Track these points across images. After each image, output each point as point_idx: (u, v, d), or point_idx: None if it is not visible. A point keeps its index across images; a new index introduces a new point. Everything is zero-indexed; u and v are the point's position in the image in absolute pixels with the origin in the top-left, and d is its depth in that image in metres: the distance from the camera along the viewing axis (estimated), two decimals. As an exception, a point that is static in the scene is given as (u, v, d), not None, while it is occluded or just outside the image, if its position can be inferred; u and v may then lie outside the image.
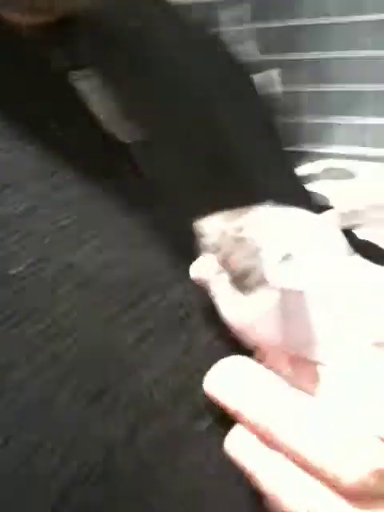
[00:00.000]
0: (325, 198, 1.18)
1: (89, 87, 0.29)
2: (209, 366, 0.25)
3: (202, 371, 0.26)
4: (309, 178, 1.30)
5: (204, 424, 0.25)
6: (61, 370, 0.23)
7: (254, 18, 1.50)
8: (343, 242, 0.25)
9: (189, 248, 0.27)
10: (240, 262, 0.24)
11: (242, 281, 0.25)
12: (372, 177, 1.29)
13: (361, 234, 0.99)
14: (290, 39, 1.48)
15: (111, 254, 0.26)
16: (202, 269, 0.26)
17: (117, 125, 0.29)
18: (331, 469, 0.23)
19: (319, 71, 1.47)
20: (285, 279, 0.23)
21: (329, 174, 1.35)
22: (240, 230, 0.25)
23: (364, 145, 1.47)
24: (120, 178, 0.29)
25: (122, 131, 0.29)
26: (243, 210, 0.26)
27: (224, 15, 1.43)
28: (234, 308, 0.25)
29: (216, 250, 0.26)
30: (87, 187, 0.27)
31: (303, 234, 0.25)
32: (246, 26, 1.51)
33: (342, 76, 1.44)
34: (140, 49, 0.35)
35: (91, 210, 0.27)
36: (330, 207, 0.55)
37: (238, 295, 0.25)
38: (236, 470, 0.24)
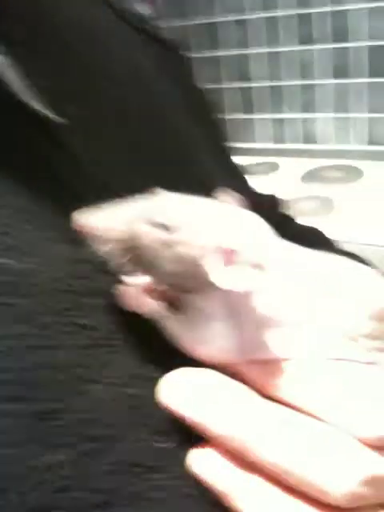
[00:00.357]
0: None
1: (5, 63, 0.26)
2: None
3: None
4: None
5: (170, 442, 0.23)
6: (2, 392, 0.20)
7: (170, 14, 1.49)
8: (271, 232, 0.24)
9: None
10: (172, 271, 0.22)
11: (176, 290, 0.23)
12: (293, 170, 1.31)
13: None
14: (207, 36, 1.48)
15: (38, 253, 0.23)
16: (132, 302, 0.24)
17: (41, 102, 0.26)
18: (316, 482, 0.20)
19: (237, 68, 1.48)
20: (235, 282, 0.21)
21: (253, 168, 1.36)
22: (158, 226, 0.22)
23: (283, 140, 1.49)
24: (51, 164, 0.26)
25: (47, 109, 0.26)
26: (142, 196, 0.23)
27: (141, 10, 1.41)
28: (183, 337, 0.23)
29: (123, 254, 0.22)
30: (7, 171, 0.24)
31: (235, 228, 0.22)
32: (162, 23, 1.50)
33: (260, 72, 1.46)
34: (70, 33, 0.32)
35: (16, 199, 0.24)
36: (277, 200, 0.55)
37: (183, 324, 0.23)
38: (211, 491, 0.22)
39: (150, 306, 0.24)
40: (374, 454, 0.21)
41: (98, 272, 0.24)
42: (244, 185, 0.47)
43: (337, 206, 1.11)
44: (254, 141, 1.53)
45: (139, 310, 0.24)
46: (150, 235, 0.22)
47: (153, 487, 0.22)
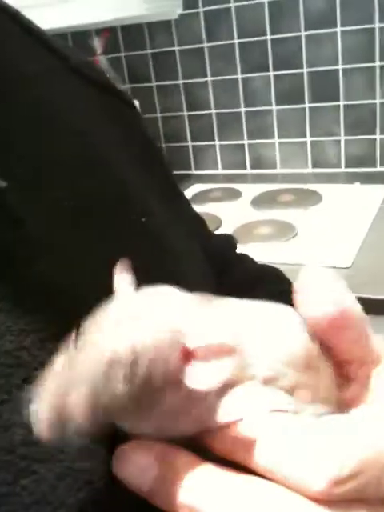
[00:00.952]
0: (217, 218, 1.20)
1: None
2: None
3: None
4: (196, 199, 1.31)
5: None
6: None
7: (126, 45, 1.51)
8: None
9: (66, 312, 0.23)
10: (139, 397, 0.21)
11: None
12: (253, 195, 1.33)
13: (251, 247, 1.01)
14: (163, 65, 1.50)
15: None
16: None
17: None
18: (297, 478, 0.20)
19: (194, 95, 1.50)
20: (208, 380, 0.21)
21: (213, 194, 1.37)
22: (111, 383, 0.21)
23: (244, 166, 1.52)
24: None
25: None
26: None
27: (97, 43, 1.43)
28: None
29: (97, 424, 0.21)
30: None
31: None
32: (117, 54, 1.51)
33: (217, 99, 1.48)
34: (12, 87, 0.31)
35: None
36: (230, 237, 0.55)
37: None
38: None
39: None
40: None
41: (45, 341, 0.23)
42: (200, 227, 0.46)
43: (298, 229, 1.12)
44: (215, 167, 1.55)
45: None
46: (115, 395, 0.21)
47: None
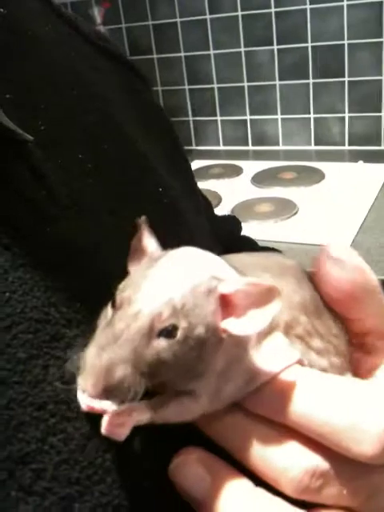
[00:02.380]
0: (217, 194, 1.18)
1: None
2: None
3: None
4: (196, 175, 1.29)
5: (147, 482, 0.22)
6: None
7: (128, 15, 1.48)
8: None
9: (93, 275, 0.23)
10: (179, 367, 0.21)
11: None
12: (255, 172, 1.31)
13: (251, 225, 1.00)
14: (164, 37, 1.47)
15: (11, 279, 0.22)
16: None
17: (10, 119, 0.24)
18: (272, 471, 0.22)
19: (196, 69, 1.48)
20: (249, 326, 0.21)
21: (215, 171, 1.35)
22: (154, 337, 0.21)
23: (246, 142, 1.50)
24: (17, 183, 0.24)
25: (16, 126, 0.25)
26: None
27: (97, 13, 1.40)
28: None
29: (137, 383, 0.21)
30: None
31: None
32: (117, 25, 1.48)
33: (219, 73, 1.45)
34: (33, 48, 0.30)
35: None
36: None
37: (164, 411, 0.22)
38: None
39: (145, 420, 0.22)
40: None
41: (72, 299, 0.23)
42: (207, 208, 0.46)
43: (298, 207, 1.11)
44: (216, 143, 1.53)
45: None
46: (159, 353, 0.21)
47: None
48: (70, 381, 0.21)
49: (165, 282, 0.21)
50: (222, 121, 1.51)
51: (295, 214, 1.09)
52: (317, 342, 0.25)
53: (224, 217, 0.55)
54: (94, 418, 0.22)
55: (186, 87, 1.51)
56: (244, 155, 1.46)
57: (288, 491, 0.22)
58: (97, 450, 0.21)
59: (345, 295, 0.24)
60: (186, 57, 1.47)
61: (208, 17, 1.40)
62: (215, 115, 1.51)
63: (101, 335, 0.21)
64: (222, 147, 1.53)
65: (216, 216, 0.49)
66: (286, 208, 1.11)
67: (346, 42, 1.31)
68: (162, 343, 0.20)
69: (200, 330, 0.21)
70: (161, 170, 0.34)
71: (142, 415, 0.22)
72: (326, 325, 0.25)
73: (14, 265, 0.22)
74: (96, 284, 0.22)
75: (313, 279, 0.26)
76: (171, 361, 0.21)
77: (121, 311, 0.21)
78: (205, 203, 0.46)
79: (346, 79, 1.34)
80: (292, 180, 1.25)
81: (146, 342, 0.20)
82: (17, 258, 0.22)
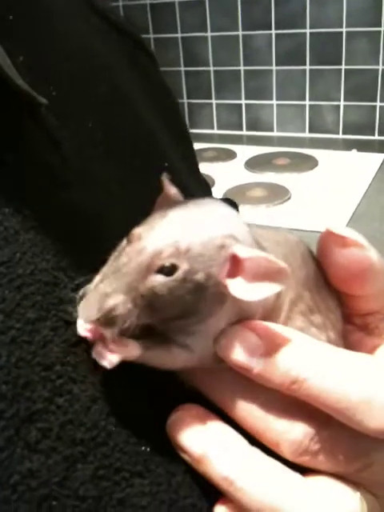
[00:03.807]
0: (210, 178, 1.18)
1: None
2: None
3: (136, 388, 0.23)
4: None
5: (149, 446, 0.23)
6: None
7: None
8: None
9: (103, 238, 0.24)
10: (178, 307, 0.22)
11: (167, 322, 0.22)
12: (249, 157, 1.31)
13: (244, 209, 1.01)
14: (161, 17, 1.45)
15: (21, 241, 0.22)
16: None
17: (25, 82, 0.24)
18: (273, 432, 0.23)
19: (192, 51, 1.46)
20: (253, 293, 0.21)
21: (208, 154, 1.35)
22: (157, 271, 0.21)
23: (240, 127, 1.49)
24: (31, 146, 0.24)
25: (30, 89, 0.24)
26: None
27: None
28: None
29: (133, 313, 0.21)
30: None
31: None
32: (114, 3, 1.46)
33: (216, 56, 1.44)
34: (44, 16, 0.30)
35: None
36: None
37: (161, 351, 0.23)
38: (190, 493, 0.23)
39: (134, 355, 0.23)
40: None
41: (81, 266, 0.23)
42: (206, 188, 0.46)
43: (291, 193, 1.11)
44: (211, 127, 1.52)
45: (125, 358, 0.23)
46: (154, 287, 0.21)
47: (136, 493, 0.21)
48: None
49: (177, 225, 0.22)
50: (216, 104, 1.50)
51: (288, 199, 1.09)
52: (317, 318, 0.25)
53: (222, 199, 0.55)
54: (100, 380, 0.22)
55: (182, 69, 1.50)
56: (238, 140, 1.46)
57: (286, 453, 0.23)
58: (100, 412, 0.22)
59: (350, 273, 0.25)
60: (182, 38, 1.46)
61: (207, -2, 1.38)
62: (210, 98, 1.50)
63: (106, 268, 0.22)
64: (216, 131, 1.53)
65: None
66: (278, 194, 1.11)
67: (344, 29, 1.30)
68: (158, 279, 0.21)
69: (200, 276, 0.21)
70: (167, 147, 0.34)
71: (131, 350, 0.22)
72: (325, 300, 0.26)
73: (25, 227, 0.22)
74: (105, 252, 0.23)
75: (317, 256, 0.26)
76: (166, 298, 0.21)
77: (129, 246, 0.22)
78: (205, 185, 0.46)
79: (343, 67, 1.34)
80: (285, 166, 1.25)
81: (142, 276, 0.21)
82: (28, 221, 0.23)
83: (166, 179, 0.25)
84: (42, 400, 0.20)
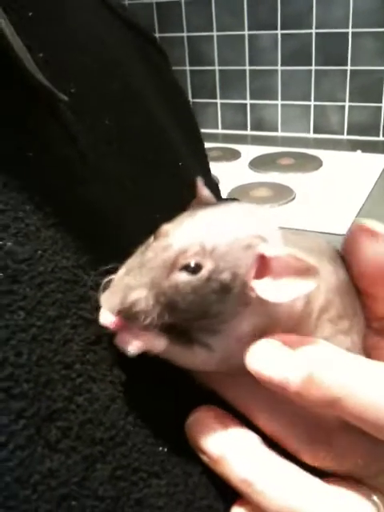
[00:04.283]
0: (215, 177, 1.18)
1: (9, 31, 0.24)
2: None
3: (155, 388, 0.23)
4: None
5: (166, 446, 0.23)
6: None
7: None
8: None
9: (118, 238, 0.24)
10: (200, 308, 0.21)
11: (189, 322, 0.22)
12: (254, 157, 1.31)
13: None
14: (167, 16, 1.45)
15: (42, 238, 0.22)
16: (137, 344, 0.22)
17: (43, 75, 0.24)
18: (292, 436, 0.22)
19: (198, 50, 1.46)
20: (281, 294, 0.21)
21: (213, 154, 1.35)
22: (182, 269, 0.21)
23: (245, 126, 1.49)
24: (50, 141, 0.24)
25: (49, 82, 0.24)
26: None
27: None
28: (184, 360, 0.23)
29: (155, 310, 0.21)
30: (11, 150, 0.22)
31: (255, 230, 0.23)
32: (122, 1, 1.46)
33: (221, 55, 1.44)
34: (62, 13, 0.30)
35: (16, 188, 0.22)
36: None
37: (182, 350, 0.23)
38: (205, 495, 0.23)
39: (158, 347, 0.23)
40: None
41: (100, 263, 0.23)
42: (215, 188, 0.46)
43: (296, 193, 1.11)
44: (215, 126, 1.52)
45: (149, 350, 0.23)
46: (177, 285, 0.21)
47: (153, 494, 0.21)
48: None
49: (204, 225, 0.22)
50: (221, 104, 1.50)
51: (292, 200, 1.09)
52: (344, 323, 0.24)
53: (228, 200, 0.55)
54: (118, 380, 0.22)
55: (187, 68, 1.49)
56: (242, 139, 1.46)
57: (306, 456, 0.22)
58: (119, 412, 0.22)
59: (379, 270, 0.24)
60: (188, 37, 1.46)
61: (213, -3, 1.38)
62: (215, 98, 1.50)
63: (131, 261, 0.22)
64: (220, 130, 1.53)
65: (222, 199, 0.49)
66: (283, 194, 1.11)
67: (350, 30, 1.30)
68: (182, 277, 0.21)
69: (226, 276, 0.21)
70: (179, 145, 0.34)
71: (156, 341, 0.22)
72: (352, 302, 0.25)
73: (46, 224, 0.22)
74: (121, 250, 0.23)
75: (343, 253, 0.25)
76: (189, 297, 0.21)
77: (156, 242, 0.22)
78: (214, 185, 0.46)
79: (348, 68, 1.34)
80: (290, 166, 1.25)
81: (167, 273, 0.21)
82: (48, 218, 0.22)
83: (199, 182, 0.25)
84: (62, 399, 0.20)
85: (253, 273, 0.21)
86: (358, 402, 0.21)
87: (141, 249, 0.22)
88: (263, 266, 0.21)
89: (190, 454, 0.23)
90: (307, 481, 0.22)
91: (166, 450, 0.23)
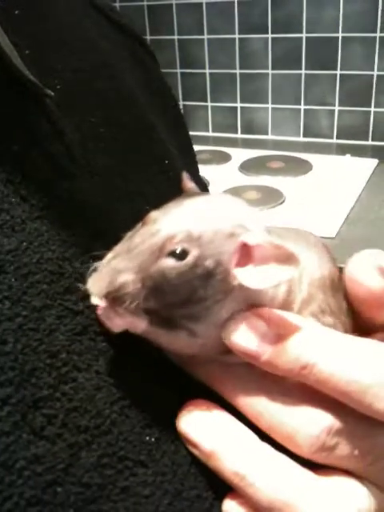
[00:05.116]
0: (205, 180, 1.18)
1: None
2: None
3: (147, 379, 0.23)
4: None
5: (154, 435, 0.23)
6: None
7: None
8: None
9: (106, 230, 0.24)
10: (185, 293, 0.22)
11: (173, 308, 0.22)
12: (243, 160, 1.31)
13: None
14: (159, 19, 1.45)
15: (28, 231, 0.23)
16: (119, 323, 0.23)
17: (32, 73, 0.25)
18: (288, 428, 0.22)
19: (188, 53, 1.47)
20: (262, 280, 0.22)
21: (204, 157, 1.35)
22: (168, 255, 0.22)
23: (235, 130, 1.49)
24: (37, 135, 0.25)
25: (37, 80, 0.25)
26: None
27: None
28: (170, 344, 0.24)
29: (140, 293, 0.22)
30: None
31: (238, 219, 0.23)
32: (113, 3, 1.46)
33: (212, 58, 1.45)
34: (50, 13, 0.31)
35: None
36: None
37: (169, 335, 0.23)
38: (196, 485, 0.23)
39: (140, 327, 0.23)
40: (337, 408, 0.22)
41: (85, 256, 0.24)
42: (204, 189, 0.46)
43: (285, 197, 1.11)
44: (205, 129, 1.53)
45: (131, 330, 0.23)
46: (164, 270, 0.22)
47: (139, 483, 0.21)
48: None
49: (191, 213, 0.22)
50: (212, 107, 1.50)
51: (282, 203, 1.09)
52: (328, 319, 0.25)
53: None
54: (104, 370, 0.23)
55: (178, 71, 1.50)
56: (232, 142, 1.46)
57: (302, 449, 0.22)
58: (105, 401, 0.22)
59: (369, 300, 0.25)
60: (179, 40, 1.46)
61: (204, 1, 1.39)
62: (206, 101, 1.50)
63: (119, 246, 0.22)
64: (211, 133, 1.53)
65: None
66: (272, 197, 1.11)
67: (340, 34, 1.31)
68: (168, 262, 0.21)
69: (210, 263, 0.22)
70: (167, 145, 0.35)
71: (138, 322, 0.22)
72: (339, 302, 0.26)
73: (31, 216, 0.23)
74: (107, 244, 0.23)
75: (341, 277, 0.26)
76: (175, 282, 0.21)
77: (143, 228, 0.22)
78: (203, 185, 0.46)
79: (338, 72, 1.35)
80: (279, 169, 1.25)
81: (154, 258, 0.21)
82: (34, 210, 0.23)
83: (185, 175, 0.26)
84: (47, 387, 0.20)
85: (235, 260, 0.22)
86: (328, 367, 0.22)
87: (128, 234, 0.23)
88: (245, 255, 0.22)
89: (180, 444, 0.24)
90: (299, 473, 0.22)
91: (153, 439, 0.23)
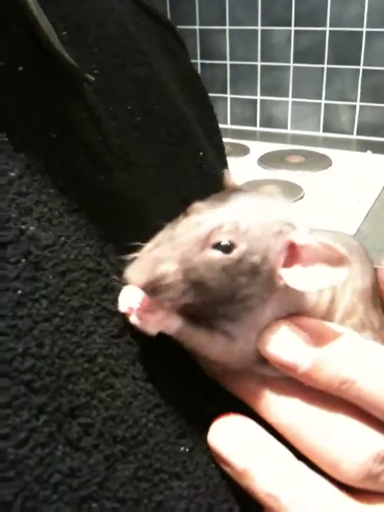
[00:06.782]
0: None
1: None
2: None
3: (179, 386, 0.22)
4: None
5: (188, 446, 0.22)
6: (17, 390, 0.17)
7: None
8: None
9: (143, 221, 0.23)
10: (228, 289, 0.21)
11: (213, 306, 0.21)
12: (263, 153, 1.30)
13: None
14: (181, 8, 1.44)
15: (65, 224, 0.21)
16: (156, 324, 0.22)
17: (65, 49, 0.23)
18: (331, 453, 0.21)
19: (209, 43, 1.45)
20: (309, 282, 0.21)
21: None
22: (214, 247, 0.21)
23: (254, 122, 1.48)
24: (75, 123, 0.23)
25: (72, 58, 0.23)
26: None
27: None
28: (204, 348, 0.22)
29: (182, 284, 0.20)
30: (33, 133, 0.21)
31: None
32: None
33: (233, 50, 1.43)
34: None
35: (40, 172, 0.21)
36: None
37: (203, 336, 0.22)
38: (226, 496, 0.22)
39: (175, 326, 0.22)
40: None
41: (122, 252, 0.22)
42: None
43: (304, 192, 1.10)
44: (224, 121, 1.51)
45: (165, 331, 0.22)
46: (209, 262, 0.20)
47: (175, 496, 0.20)
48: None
49: (238, 206, 0.21)
50: (231, 99, 1.49)
51: (301, 198, 1.08)
52: (368, 334, 0.24)
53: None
54: (140, 376, 0.21)
55: (198, 61, 1.48)
56: (251, 136, 1.45)
57: (347, 477, 0.21)
58: (141, 409, 0.21)
59: None
60: (200, 30, 1.44)
61: (227, -9, 1.37)
62: (225, 93, 1.48)
63: (161, 235, 0.21)
64: (229, 126, 1.52)
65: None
66: (292, 191, 1.10)
67: (364, 29, 1.29)
68: (214, 254, 0.20)
69: (256, 259, 0.20)
70: (199, 135, 0.34)
71: (172, 321, 0.21)
72: (378, 316, 0.25)
73: (69, 209, 0.21)
74: (144, 238, 0.22)
75: (376, 270, 0.25)
76: (219, 276, 0.20)
77: (187, 218, 0.21)
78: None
79: (361, 67, 1.33)
80: (299, 164, 1.24)
81: (198, 249, 0.20)
82: (72, 203, 0.22)
83: (227, 173, 0.25)
84: (84, 394, 0.19)
85: (282, 260, 0.21)
86: (369, 384, 0.20)
87: (170, 225, 0.22)
88: (292, 255, 0.21)
89: (211, 455, 0.23)
90: (338, 498, 0.21)
91: (187, 449, 0.22)
